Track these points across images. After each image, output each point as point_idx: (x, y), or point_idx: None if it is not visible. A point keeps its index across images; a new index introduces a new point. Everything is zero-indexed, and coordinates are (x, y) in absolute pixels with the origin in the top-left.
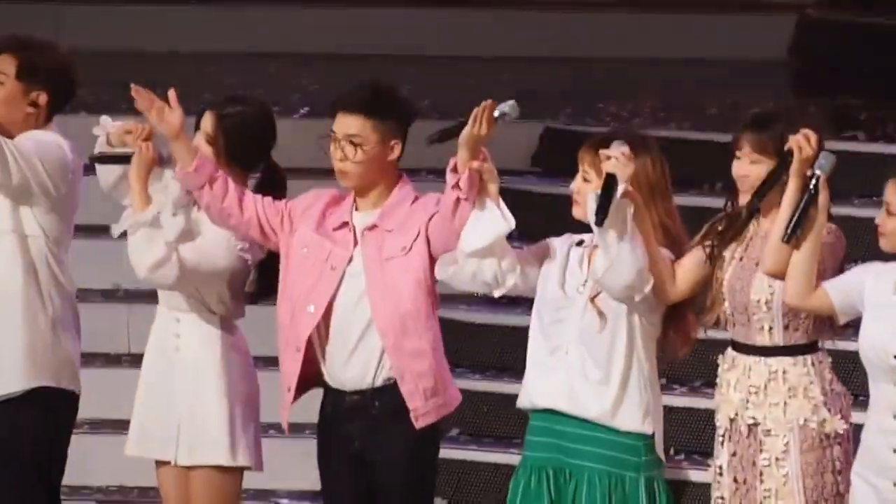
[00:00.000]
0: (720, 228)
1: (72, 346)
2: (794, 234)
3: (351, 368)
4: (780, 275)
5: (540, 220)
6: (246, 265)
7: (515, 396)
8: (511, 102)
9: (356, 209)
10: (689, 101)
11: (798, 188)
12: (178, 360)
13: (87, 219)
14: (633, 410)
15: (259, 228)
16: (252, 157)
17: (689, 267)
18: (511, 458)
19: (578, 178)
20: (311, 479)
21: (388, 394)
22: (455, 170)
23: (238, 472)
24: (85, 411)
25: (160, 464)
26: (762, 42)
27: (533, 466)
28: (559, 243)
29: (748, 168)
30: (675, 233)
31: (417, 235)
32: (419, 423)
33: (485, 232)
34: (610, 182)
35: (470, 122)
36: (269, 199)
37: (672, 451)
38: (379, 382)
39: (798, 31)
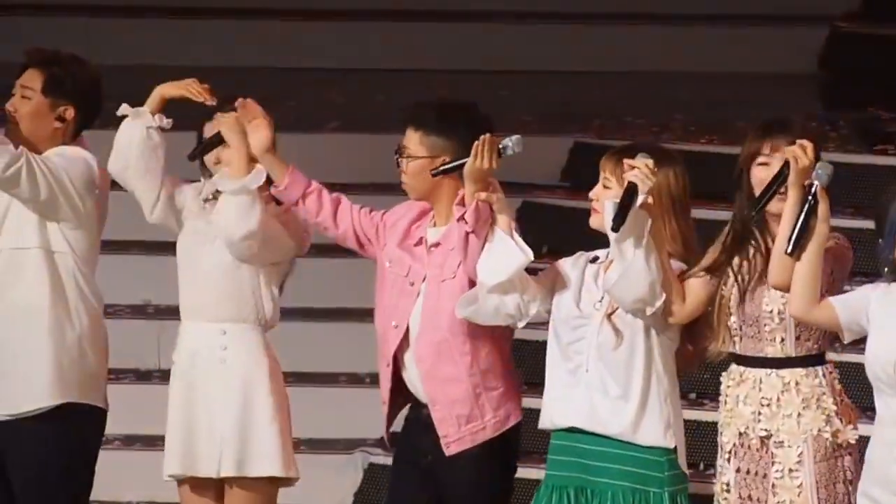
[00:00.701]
0: (725, 242)
1: (99, 362)
2: (797, 246)
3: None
4: (785, 287)
5: (569, 234)
6: (300, 253)
7: (530, 410)
8: (515, 137)
9: (434, 225)
10: (720, 115)
11: (797, 199)
12: (224, 372)
13: (116, 234)
14: (655, 425)
15: (356, 239)
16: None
17: (696, 286)
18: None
19: (598, 185)
20: (341, 495)
21: None
22: (462, 203)
23: (277, 484)
24: (115, 427)
25: (186, 480)
26: (793, 55)
27: (555, 486)
28: (571, 262)
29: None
30: (692, 247)
31: (461, 261)
32: (450, 450)
33: (503, 266)
34: (630, 191)
35: (472, 156)
36: (365, 210)
37: (702, 466)
38: None
39: (829, 45)
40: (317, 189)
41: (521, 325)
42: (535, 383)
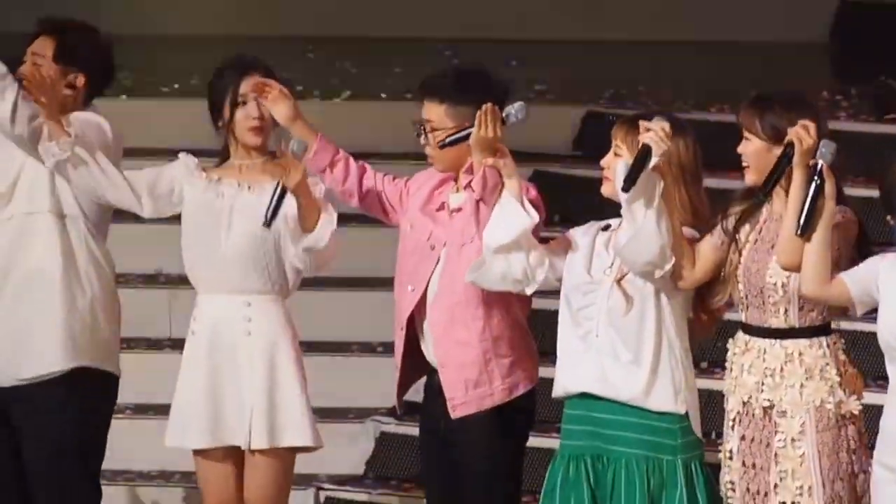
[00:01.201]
0: (734, 210)
1: (111, 328)
2: (808, 227)
3: None
4: (795, 268)
5: (581, 203)
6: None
7: (543, 380)
8: (519, 104)
9: (456, 190)
10: (731, 85)
11: (803, 179)
12: (249, 343)
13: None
14: (666, 390)
15: (380, 206)
16: None
17: (706, 251)
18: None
19: (610, 154)
20: (352, 463)
21: None
22: (470, 171)
23: (297, 451)
24: (127, 396)
25: (206, 451)
26: (804, 25)
27: (571, 455)
28: (583, 231)
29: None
30: (703, 217)
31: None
32: (456, 413)
33: (509, 227)
34: (644, 152)
35: (476, 126)
36: (388, 177)
37: (713, 435)
38: None
39: (840, 14)
40: (344, 157)
41: (529, 290)
42: (549, 353)
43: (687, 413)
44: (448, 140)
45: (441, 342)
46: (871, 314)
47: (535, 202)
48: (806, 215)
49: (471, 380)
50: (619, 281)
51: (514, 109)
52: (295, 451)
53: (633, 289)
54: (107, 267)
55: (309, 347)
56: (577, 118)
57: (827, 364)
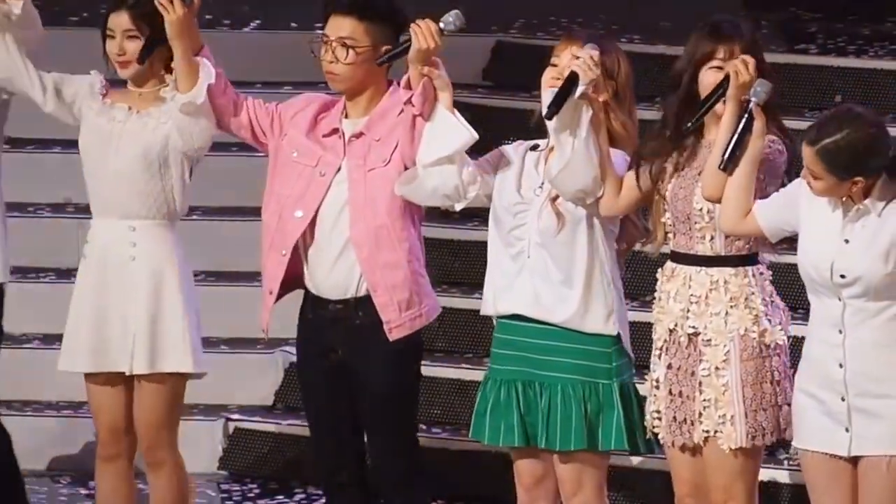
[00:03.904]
0: (654, 145)
1: None
2: (731, 161)
3: (334, 277)
4: (717, 200)
5: (493, 133)
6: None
7: (468, 311)
8: (454, 12)
9: (346, 116)
10: (642, 14)
11: (734, 114)
12: (134, 268)
13: (35, 133)
14: (599, 312)
15: (251, 130)
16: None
17: (630, 183)
18: (462, 373)
19: (546, 69)
20: (262, 394)
21: (372, 304)
22: (409, 87)
23: (186, 378)
24: (35, 325)
25: (96, 376)
26: None
27: (502, 380)
28: (512, 149)
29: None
30: (634, 141)
31: (396, 147)
32: (392, 336)
33: (446, 141)
34: (571, 80)
35: (414, 38)
36: (259, 101)
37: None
38: (362, 292)
39: None
40: (221, 73)
41: (458, 206)
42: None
43: (619, 335)
44: (387, 56)
45: (369, 266)
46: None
47: None
48: (731, 150)
49: (403, 300)
50: (553, 200)
51: (451, 17)
52: (185, 377)
53: (565, 209)
54: None
55: (218, 277)
56: (487, 49)
57: (752, 293)
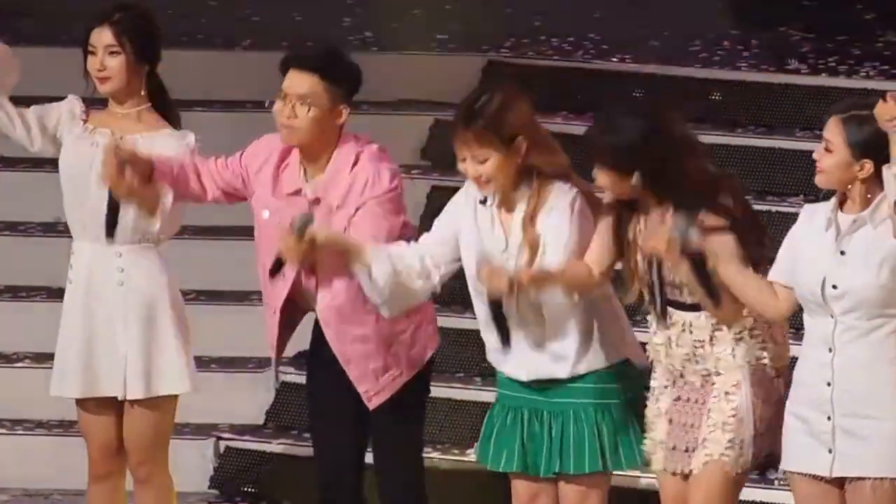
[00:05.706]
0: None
1: None
2: (717, 296)
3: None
4: (741, 313)
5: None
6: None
7: (459, 330)
8: (301, 213)
9: (306, 177)
10: (631, 34)
11: (688, 272)
12: (124, 294)
13: (27, 152)
14: (598, 351)
15: (226, 196)
16: (158, 49)
17: (600, 251)
18: (454, 392)
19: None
20: (252, 413)
21: None
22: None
23: (177, 398)
24: (26, 345)
25: (86, 401)
26: None
27: (509, 406)
28: (461, 206)
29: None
30: (565, 168)
31: (354, 214)
32: (372, 403)
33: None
34: (498, 306)
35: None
36: (221, 162)
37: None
38: None
39: None
40: (179, 167)
41: (437, 289)
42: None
43: (627, 359)
44: (274, 268)
45: (338, 341)
46: None
47: (393, 173)
48: (711, 293)
49: (378, 368)
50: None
51: (297, 221)
52: (176, 397)
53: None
54: None
55: (209, 296)
56: (477, 68)
57: (754, 322)
